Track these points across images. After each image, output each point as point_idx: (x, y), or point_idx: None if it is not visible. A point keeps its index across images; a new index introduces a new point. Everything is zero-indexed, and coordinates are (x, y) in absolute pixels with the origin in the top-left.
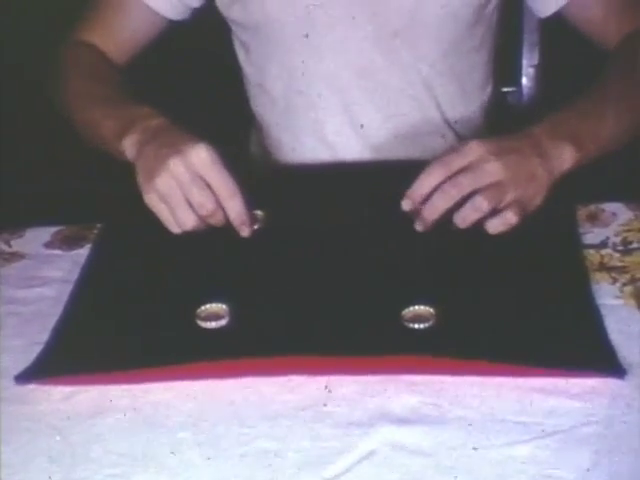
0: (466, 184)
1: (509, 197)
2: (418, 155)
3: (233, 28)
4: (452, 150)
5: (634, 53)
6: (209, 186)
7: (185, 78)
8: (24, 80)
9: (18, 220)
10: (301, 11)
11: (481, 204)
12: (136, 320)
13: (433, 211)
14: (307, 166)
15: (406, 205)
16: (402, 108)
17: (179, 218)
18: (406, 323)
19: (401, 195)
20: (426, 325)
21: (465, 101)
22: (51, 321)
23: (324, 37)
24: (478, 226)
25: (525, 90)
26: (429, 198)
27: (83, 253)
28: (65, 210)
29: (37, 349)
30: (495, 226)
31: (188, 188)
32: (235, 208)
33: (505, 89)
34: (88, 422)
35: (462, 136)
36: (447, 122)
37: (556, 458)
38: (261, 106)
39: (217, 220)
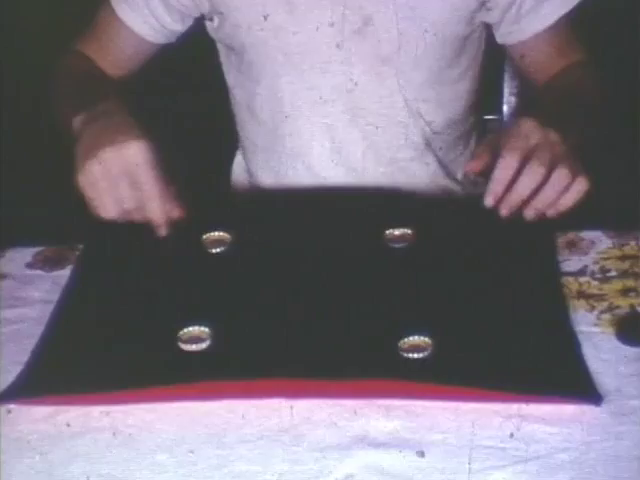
0: (547, 159)
1: (559, 157)
2: (402, 181)
3: (223, 50)
4: (512, 135)
5: (581, 77)
6: (136, 183)
7: (170, 94)
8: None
9: None
10: (288, 37)
11: (562, 172)
12: (117, 342)
13: (522, 192)
14: (289, 191)
15: (489, 201)
16: (387, 134)
17: (103, 205)
18: (402, 352)
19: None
20: (420, 355)
21: (449, 129)
22: (32, 341)
23: (311, 62)
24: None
25: (506, 118)
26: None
27: (64, 274)
28: (47, 231)
29: (18, 369)
30: (572, 196)
31: (115, 181)
32: (154, 210)
33: (487, 117)
34: (68, 442)
35: (445, 163)
36: (431, 149)
37: None
38: (248, 129)
39: (138, 217)
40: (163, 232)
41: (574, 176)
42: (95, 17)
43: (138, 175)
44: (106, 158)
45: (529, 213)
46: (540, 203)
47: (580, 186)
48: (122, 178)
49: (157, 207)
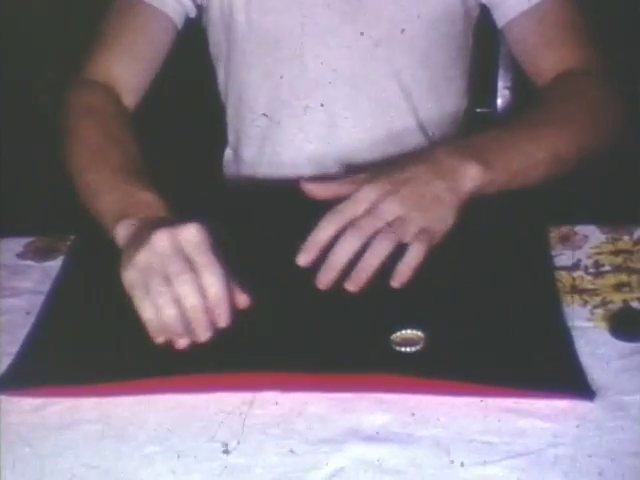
0: (365, 227)
1: (412, 228)
2: None
3: (214, 39)
4: (346, 199)
5: (562, 96)
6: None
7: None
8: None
9: None
10: (286, 22)
11: (380, 245)
12: (107, 333)
13: (336, 260)
14: (282, 182)
15: (303, 259)
16: (382, 117)
17: (152, 293)
18: (394, 346)
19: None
20: (413, 349)
21: (442, 112)
22: (22, 332)
23: (307, 47)
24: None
25: (500, 111)
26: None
27: (55, 264)
28: (38, 221)
29: (7, 360)
30: (403, 269)
31: (168, 261)
32: (214, 285)
33: (480, 110)
34: (57, 434)
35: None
36: (425, 133)
37: (525, 479)
38: (240, 121)
39: (193, 303)
40: (223, 320)
41: (401, 241)
42: (102, 26)
43: (195, 254)
44: (159, 241)
45: (349, 285)
46: (364, 266)
47: (410, 255)
48: (176, 257)
49: (217, 286)
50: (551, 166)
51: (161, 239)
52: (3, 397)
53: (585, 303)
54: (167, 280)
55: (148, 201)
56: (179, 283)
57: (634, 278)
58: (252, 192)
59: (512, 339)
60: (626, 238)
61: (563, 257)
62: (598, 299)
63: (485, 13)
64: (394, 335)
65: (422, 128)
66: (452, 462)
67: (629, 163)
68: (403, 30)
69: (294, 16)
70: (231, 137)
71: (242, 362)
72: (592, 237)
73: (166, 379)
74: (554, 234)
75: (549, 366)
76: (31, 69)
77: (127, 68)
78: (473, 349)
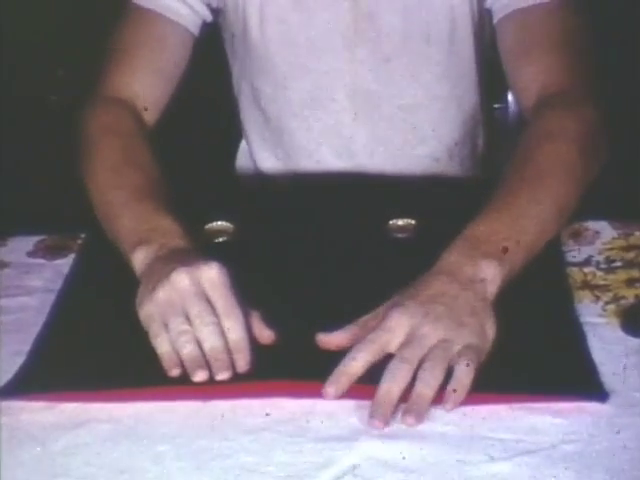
0: (411, 358)
1: (456, 347)
2: (408, 177)
3: (229, 40)
4: (374, 328)
5: (545, 138)
6: (212, 305)
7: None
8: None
9: (1, 229)
10: (297, 35)
11: (431, 375)
12: (119, 335)
13: (389, 398)
14: (294, 180)
15: (331, 393)
16: (396, 132)
17: (172, 331)
18: None
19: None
20: None
21: (457, 115)
22: (33, 331)
23: (318, 61)
24: None
25: (512, 106)
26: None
27: (66, 263)
28: (48, 219)
29: (18, 359)
30: (457, 393)
31: (189, 301)
32: (235, 330)
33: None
34: (69, 433)
35: (460, 158)
36: (439, 139)
37: (536, 476)
38: (254, 123)
39: (214, 345)
40: (242, 365)
41: (450, 364)
42: (116, 39)
43: (215, 296)
44: (179, 280)
45: (409, 420)
46: (418, 406)
47: (458, 378)
48: (197, 298)
49: (237, 327)
50: (560, 218)
51: (181, 278)
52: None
53: (597, 299)
54: (187, 319)
55: (166, 227)
56: (200, 325)
57: None
58: (265, 188)
59: (524, 338)
60: (637, 234)
61: (574, 253)
62: (610, 295)
63: None
64: None
65: (437, 135)
66: (463, 459)
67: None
68: (413, 43)
69: (304, 29)
70: (244, 132)
71: (254, 372)
72: (603, 233)
73: (176, 388)
74: (565, 230)
75: (562, 367)
76: (41, 69)
77: (147, 84)
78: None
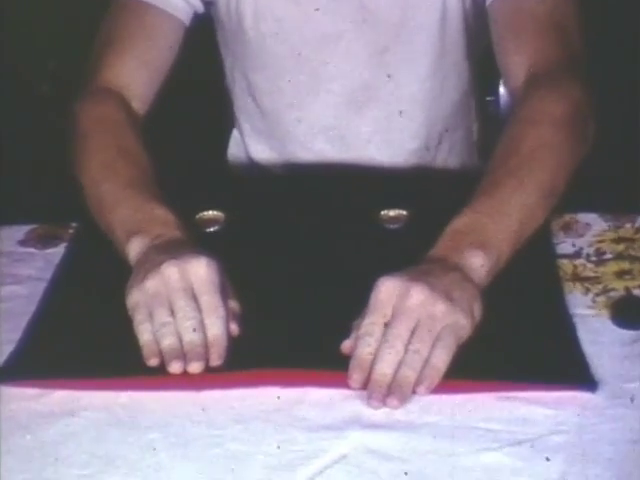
0: (399, 338)
1: (440, 326)
2: (407, 167)
3: (221, 32)
4: (369, 306)
5: (531, 122)
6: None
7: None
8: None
9: None
10: (293, 29)
11: (415, 358)
12: (109, 324)
13: (381, 379)
14: (286, 170)
15: (356, 381)
16: (391, 122)
17: (155, 321)
18: None
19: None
20: None
21: (450, 107)
22: (23, 320)
23: (315, 53)
24: None
25: (503, 99)
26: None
27: (57, 252)
28: (40, 208)
29: (8, 348)
30: (431, 375)
31: (175, 294)
32: (214, 328)
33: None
34: (59, 422)
35: (449, 144)
36: (435, 129)
37: (525, 466)
38: (248, 113)
39: (192, 339)
40: (216, 360)
41: (432, 348)
42: (106, 30)
43: (201, 291)
44: (168, 272)
45: (392, 402)
46: (398, 386)
47: (437, 359)
48: (183, 292)
49: (217, 325)
50: (547, 204)
51: (171, 271)
52: (3, 386)
53: (587, 291)
54: (171, 312)
55: (161, 218)
56: (182, 319)
57: (636, 266)
58: (257, 178)
59: (515, 329)
60: (628, 226)
61: (565, 245)
62: (600, 287)
63: None
64: None
65: (429, 123)
66: (454, 449)
67: (631, 151)
68: (410, 34)
69: (300, 22)
70: (236, 122)
71: (242, 360)
72: (594, 225)
73: (166, 377)
74: (556, 222)
75: (551, 357)
76: (31, 59)
77: (137, 75)
78: (473, 341)
